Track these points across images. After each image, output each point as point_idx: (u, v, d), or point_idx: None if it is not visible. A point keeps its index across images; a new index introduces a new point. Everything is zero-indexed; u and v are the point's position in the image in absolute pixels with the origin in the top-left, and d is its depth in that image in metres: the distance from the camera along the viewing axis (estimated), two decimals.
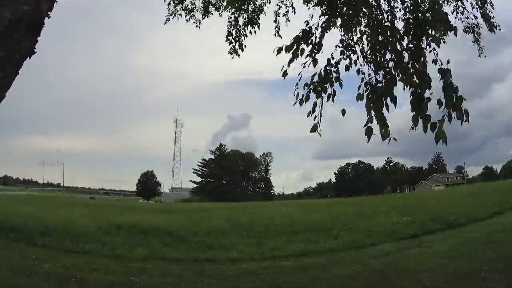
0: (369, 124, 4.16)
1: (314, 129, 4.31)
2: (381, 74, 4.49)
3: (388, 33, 4.52)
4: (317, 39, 4.43)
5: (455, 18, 6.59)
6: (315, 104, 4.33)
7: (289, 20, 7.30)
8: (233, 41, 7.19)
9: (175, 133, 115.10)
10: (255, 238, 11.49)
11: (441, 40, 4.09)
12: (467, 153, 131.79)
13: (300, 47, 4.29)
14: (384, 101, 4.28)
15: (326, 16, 4.63)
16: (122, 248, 9.85)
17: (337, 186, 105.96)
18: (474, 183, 59.33)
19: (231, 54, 7.19)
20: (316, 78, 4.40)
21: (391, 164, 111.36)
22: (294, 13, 7.19)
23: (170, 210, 24.76)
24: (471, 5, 6.51)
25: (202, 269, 8.19)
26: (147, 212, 22.60)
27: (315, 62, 4.39)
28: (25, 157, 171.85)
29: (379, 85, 4.43)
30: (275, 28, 7.34)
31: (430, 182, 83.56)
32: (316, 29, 4.47)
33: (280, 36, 7.32)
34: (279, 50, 4.19)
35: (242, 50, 7.19)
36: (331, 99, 4.46)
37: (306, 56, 4.35)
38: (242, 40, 7.19)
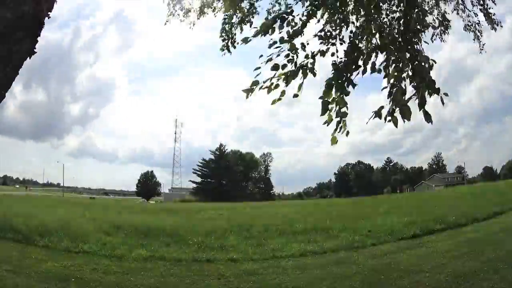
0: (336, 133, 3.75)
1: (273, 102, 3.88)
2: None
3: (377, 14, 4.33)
4: (298, 26, 4.05)
5: (457, 15, 6.60)
6: (283, 93, 3.83)
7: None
8: (226, 38, 7.17)
9: (175, 133, 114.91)
10: (255, 238, 11.48)
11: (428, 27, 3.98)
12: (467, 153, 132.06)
13: (276, 27, 3.96)
14: (346, 84, 3.83)
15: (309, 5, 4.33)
16: (122, 248, 9.83)
17: (337, 186, 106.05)
18: (474, 183, 59.34)
19: (223, 50, 7.16)
20: (290, 67, 3.89)
21: (391, 164, 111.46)
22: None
23: (170, 210, 24.75)
24: (471, 3, 6.49)
25: (202, 269, 8.18)
26: (147, 212, 22.62)
27: (292, 47, 3.88)
28: (25, 157, 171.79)
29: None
30: None
31: (430, 182, 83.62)
32: (301, 16, 4.13)
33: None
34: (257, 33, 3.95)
35: (234, 47, 7.17)
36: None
37: (284, 42, 3.90)
38: (234, 36, 7.16)
